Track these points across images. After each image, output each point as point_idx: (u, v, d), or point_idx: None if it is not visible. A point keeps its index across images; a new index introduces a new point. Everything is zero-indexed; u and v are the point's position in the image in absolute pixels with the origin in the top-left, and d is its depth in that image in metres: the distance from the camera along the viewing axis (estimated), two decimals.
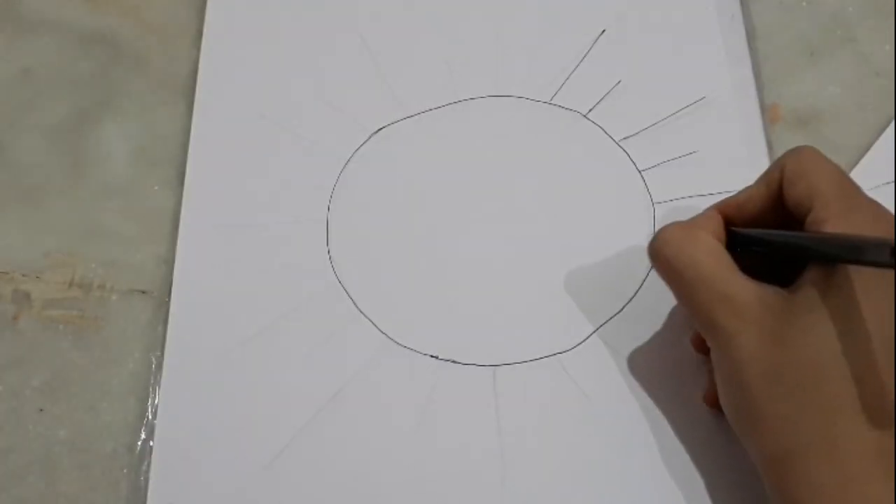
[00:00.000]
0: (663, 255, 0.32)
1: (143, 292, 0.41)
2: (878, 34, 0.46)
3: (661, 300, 0.38)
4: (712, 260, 0.31)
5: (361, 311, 0.39)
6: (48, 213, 0.43)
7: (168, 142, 0.44)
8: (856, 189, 0.31)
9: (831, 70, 0.45)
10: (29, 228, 0.42)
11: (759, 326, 0.29)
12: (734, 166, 0.42)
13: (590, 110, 0.44)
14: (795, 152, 0.32)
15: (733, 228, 0.33)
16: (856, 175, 0.42)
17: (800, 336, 0.28)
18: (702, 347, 0.37)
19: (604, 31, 0.46)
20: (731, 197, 0.34)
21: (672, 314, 0.38)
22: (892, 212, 0.31)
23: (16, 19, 0.48)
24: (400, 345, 0.38)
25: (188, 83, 0.46)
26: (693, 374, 0.37)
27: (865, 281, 0.28)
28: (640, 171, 0.42)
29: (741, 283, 0.30)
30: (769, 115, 0.44)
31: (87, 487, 0.37)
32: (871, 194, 0.40)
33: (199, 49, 0.46)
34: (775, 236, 0.32)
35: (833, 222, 0.29)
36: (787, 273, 0.31)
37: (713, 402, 0.35)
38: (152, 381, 0.38)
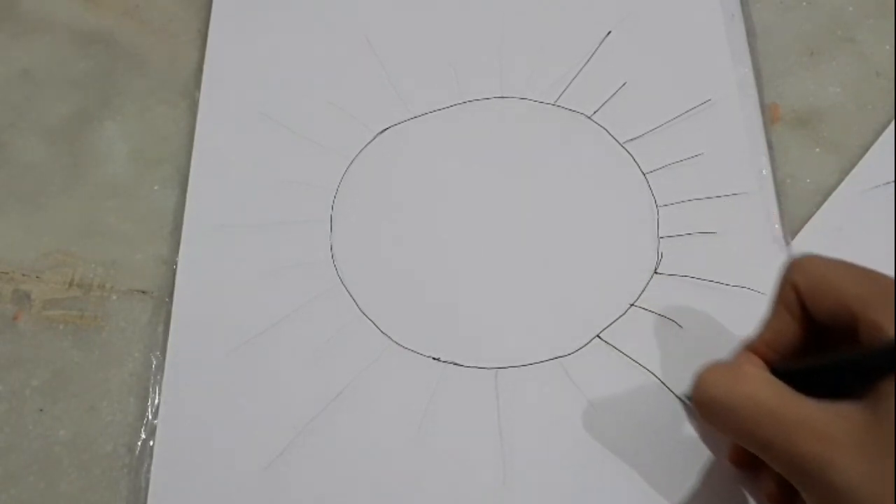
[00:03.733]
0: (715, 399, 0.30)
1: (143, 292, 0.41)
2: (878, 34, 0.46)
3: (663, 303, 0.38)
4: (770, 390, 0.29)
5: (364, 313, 0.39)
6: (48, 213, 0.43)
7: (168, 142, 0.44)
8: (882, 276, 0.29)
9: (831, 70, 0.45)
10: (29, 228, 0.42)
11: (855, 445, 0.26)
12: (735, 168, 0.42)
13: (595, 112, 0.44)
14: (801, 266, 0.31)
15: (778, 367, 0.31)
16: (856, 175, 0.42)
17: None
18: (744, 462, 0.34)
19: (609, 32, 0.46)
20: (755, 338, 0.32)
21: (674, 317, 0.38)
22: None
23: (15, 19, 0.48)
24: (402, 346, 0.38)
25: (188, 83, 0.46)
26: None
27: None
28: (644, 174, 0.42)
29: (813, 406, 0.28)
30: (769, 115, 0.44)
31: (87, 487, 0.37)
32: (871, 194, 0.41)
33: (199, 49, 0.46)
34: (839, 361, 0.29)
35: (889, 322, 0.27)
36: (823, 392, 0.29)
37: None
38: (152, 381, 0.38)
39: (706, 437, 0.36)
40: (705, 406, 0.30)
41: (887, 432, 0.26)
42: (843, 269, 0.30)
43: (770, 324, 0.32)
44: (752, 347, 0.32)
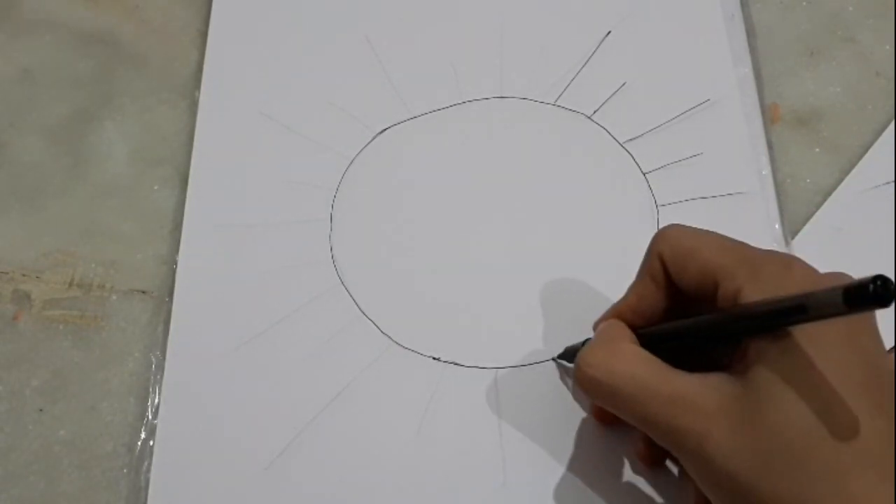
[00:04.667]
0: (594, 379, 0.31)
1: (143, 292, 0.41)
2: (878, 34, 0.46)
3: None
4: (646, 367, 0.30)
5: (364, 313, 0.39)
6: (48, 213, 0.43)
7: (168, 141, 0.44)
8: (744, 246, 0.30)
9: (831, 70, 0.45)
10: (29, 228, 0.42)
11: (726, 417, 0.27)
12: (735, 168, 0.42)
13: (594, 112, 0.44)
14: (666, 237, 0.32)
15: (642, 331, 0.32)
16: (856, 175, 0.42)
17: (773, 413, 0.26)
18: (605, 418, 0.36)
19: (609, 32, 0.46)
20: (619, 302, 0.33)
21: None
22: (787, 252, 0.29)
23: (16, 19, 0.48)
24: (402, 346, 0.38)
25: (188, 83, 0.46)
26: None
27: (809, 336, 0.27)
28: (644, 174, 0.42)
29: (687, 380, 0.29)
30: (769, 115, 0.44)
31: (87, 487, 0.37)
32: (870, 194, 0.41)
33: (199, 49, 0.46)
34: (701, 324, 0.30)
35: (749, 289, 0.28)
36: (693, 360, 0.30)
37: None
38: (152, 381, 0.38)
39: (577, 397, 0.37)
40: (588, 386, 0.31)
41: (753, 401, 0.27)
42: (707, 239, 0.31)
43: (634, 290, 0.33)
44: (619, 311, 0.33)
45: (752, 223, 0.40)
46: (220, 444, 0.37)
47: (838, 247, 0.40)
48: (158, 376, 0.38)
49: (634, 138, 0.43)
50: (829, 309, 0.24)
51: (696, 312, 0.31)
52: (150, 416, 0.38)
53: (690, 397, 0.28)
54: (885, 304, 0.22)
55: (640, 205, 0.41)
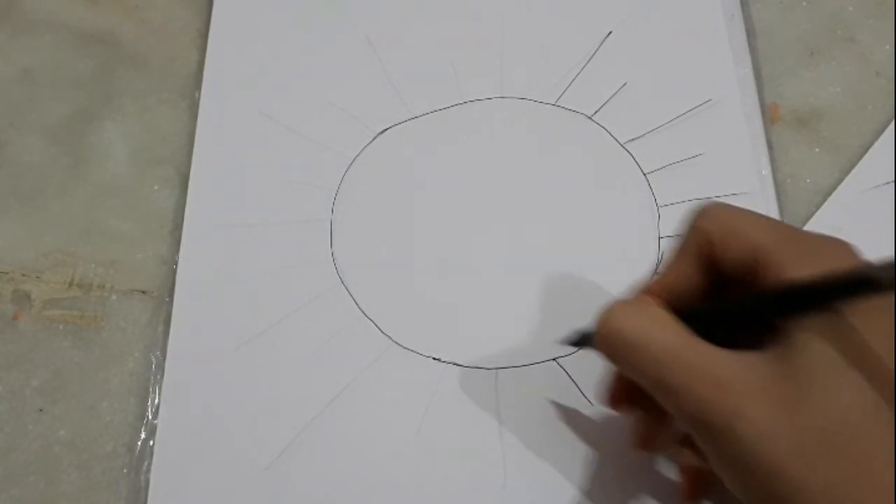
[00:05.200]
0: (622, 335, 0.29)
1: (143, 292, 0.41)
2: (878, 34, 0.46)
3: None
4: (678, 333, 0.28)
5: (364, 313, 0.39)
6: (48, 213, 0.43)
7: (168, 141, 0.44)
8: (788, 226, 0.29)
9: (831, 70, 0.45)
10: (29, 228, 0.42)
11: (766, 396, 0.26)
12: (735, 168, 0.42)
13: (595, 112, 0.44)
14: (708, 215, 0.30)
15: (678, 311, 0.29)
16: (856, 175, 0.42)
17: (821, 395, 0.25)
18: (617, 399, 0.33)
19: (610, 32, 0.46)
20: (654, 281, 0.31)
21: None
22: (831, 235, 0.28)
23: (16, 19, 0.48)
24: (402, 347, 0.38)
25: (188, 83, 0.46)
26: None
27: (861, 316, 0.25)
28: (644, 174, 0.42)
29: (722, 355, 0.27)
30: (769, 115, 0.44)
31: (87, 487, 0.37)
32: (870, 194, 0.41)
33: (199, 49, 0.46)
34: (751, 301, 0.28)
35: (799, 266, 0.27)
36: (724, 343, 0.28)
37: None
38: (152, 381, 0.38)
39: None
40: (610, 341, 0.29)
41: (801, 383, 0.25)
42: (752, 217, 0.29)
43: (673, 267, 0.30)
44: (651, 290, 0.31)
45: None
46: (220, 444, 0.37)
47: None
48: (158, 376, 0.38)
49: (635, 139, 0.43)
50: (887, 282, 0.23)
51: (733, 296, 0.29)
52: (150, 416, 0.38)
53: (725, 372, 0.26)
54: None
55: (641, 205, 0.41)
